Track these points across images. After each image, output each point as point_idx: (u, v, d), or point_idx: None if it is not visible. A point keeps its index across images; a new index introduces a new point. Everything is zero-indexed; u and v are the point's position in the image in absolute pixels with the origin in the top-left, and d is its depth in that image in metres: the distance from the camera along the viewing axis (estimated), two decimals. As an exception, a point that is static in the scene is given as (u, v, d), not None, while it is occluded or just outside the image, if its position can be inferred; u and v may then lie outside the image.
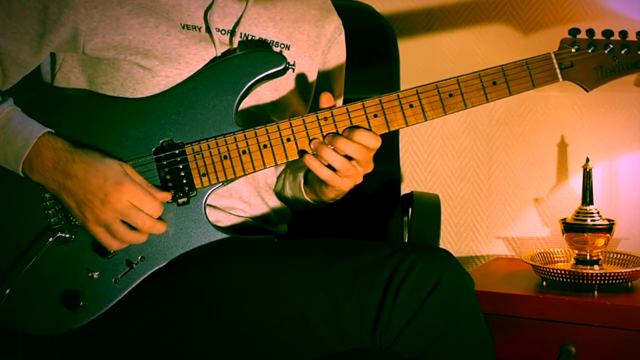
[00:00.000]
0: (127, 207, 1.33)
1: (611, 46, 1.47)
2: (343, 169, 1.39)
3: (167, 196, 1.38)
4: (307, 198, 1.55)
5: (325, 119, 1.42)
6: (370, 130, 1.40)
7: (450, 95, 1.43)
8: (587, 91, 1.49)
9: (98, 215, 1.33)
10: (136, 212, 1.33)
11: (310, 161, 1.39)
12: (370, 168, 1.45)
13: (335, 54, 1.67)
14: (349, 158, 1.39)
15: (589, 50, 1.47)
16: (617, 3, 2.07)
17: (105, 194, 1.32)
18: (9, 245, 1.40)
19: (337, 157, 1.39)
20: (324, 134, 1.41)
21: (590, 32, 1.47)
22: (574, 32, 1.47)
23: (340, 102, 1.74)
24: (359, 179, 1.44)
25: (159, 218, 1.37)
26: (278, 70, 1.43)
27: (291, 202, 1.62)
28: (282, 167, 1.65)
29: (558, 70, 1.46)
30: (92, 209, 1.33)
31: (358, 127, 1.40)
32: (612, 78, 1.48)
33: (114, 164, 1.35)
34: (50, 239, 1.38)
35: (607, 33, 1.47)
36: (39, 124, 1.38)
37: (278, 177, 1.63)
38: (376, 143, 1.40)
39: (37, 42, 1.43)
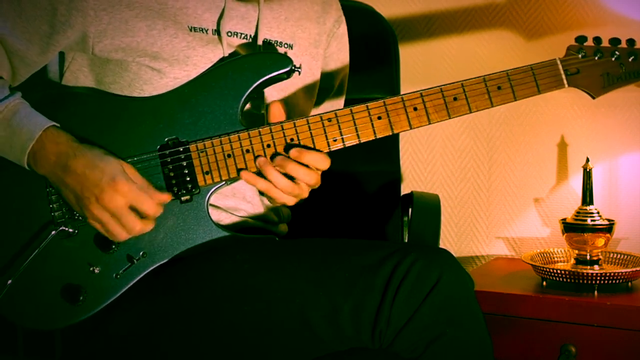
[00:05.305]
0: (119, 208, 1.33)
1: (618, 53, 1.46)
2: (287, 190, 1.39)
3: (165, 197, 1.38)
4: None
5: (329, 120, 1.41)
6: (319, 150, 1.39)
7: (455, 99, 1.42)
8: (594, 98, 1.48)
9: (93, 212, 1.34)
10: (127, 215, 1.34)
11: (244, 175, 1.39)
12: (318, 184, 1.43)
13: (336, 48, 1.67)
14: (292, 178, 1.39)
15: (596, 57, 1.46)
16: (616, 6, 2.07)
17: (100, 191, 1.33)
18: (12, 237, 1.40)
19: (282, 179, 1.38)
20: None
21: (597, 39, 1.47)
22: (581, 39, 1.47)
23: (341, 101, 1.73)
24: (305, 195, 1.43)
25: (159, 220, 1.37)
26: (284, 72, 1.43)
27: None
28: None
29: (564, 76, 1.45)
30: (88, 205, 1.34)
31: (307, 147, 1.39)
32: (619, 85, 1.48)
33: (114, 161, 1.35)
34: (53, 232, 1.38)
35: (614, 41, 1.47)
36: (44, 118, 1.39)
37: None
38: (326, 164, 1.39)
39: (45, 42, 1.43)
